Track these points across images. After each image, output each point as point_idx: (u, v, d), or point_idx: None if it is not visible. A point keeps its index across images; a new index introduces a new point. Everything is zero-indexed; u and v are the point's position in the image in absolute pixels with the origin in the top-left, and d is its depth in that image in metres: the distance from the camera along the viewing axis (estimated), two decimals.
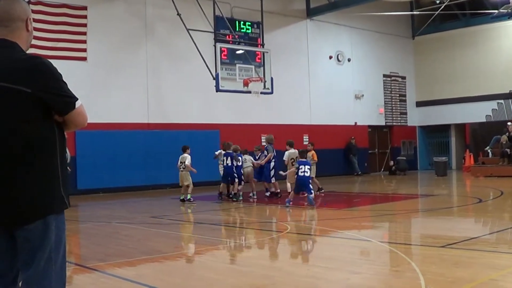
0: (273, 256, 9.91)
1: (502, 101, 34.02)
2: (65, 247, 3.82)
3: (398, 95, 38.04)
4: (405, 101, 38.52)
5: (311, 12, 32.45)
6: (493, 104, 34.31)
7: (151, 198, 21.83)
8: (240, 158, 19.84)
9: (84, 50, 23.98)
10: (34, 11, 21.53)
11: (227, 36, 26.85)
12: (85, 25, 23.97)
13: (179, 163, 19.61)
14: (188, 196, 19.24)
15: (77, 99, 3.85)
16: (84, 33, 23.99)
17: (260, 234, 12.61)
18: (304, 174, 16.57)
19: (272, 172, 20.23)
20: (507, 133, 29.47)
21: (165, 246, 10.61)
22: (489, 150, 30.66)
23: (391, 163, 35.42)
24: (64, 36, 23.37)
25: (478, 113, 34.73)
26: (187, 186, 19.36)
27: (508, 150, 28.86)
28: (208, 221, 14.82)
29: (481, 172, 28.96)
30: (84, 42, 24.00)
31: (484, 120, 34.50)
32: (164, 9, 25.39)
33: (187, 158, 19.15)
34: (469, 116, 35.49)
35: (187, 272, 8.50)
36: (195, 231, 13.24)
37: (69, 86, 3.84)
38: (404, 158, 35.49)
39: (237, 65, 24.13)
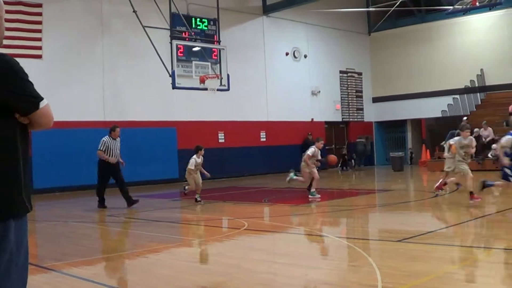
0: (231, 253, 9.91)
1: (457, 96, 34.42)
2: (27, 250, 3.77)
3: (354, 91, 38.32)
4: (361, 97, 38.82)
5: (267, 9, 32.50)
6: (449, 100, 34.69)
7: (108, 196, 21.64)
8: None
9: (40, 47, 23.72)
10: None
11: (183, 33, 26.79)
12: (40, 23, 23.71)
13: None
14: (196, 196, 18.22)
15: (42, 99, 3.78)
16: (39, 31, 23.73)
17: (218, 231, 12.63)
18: None
19: None
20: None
21: (122, 245, 10.57)
22: (445, 145, 30.96)
23: (344, 151, 35.88)
24: (19, 33, 23.05)
25: (434, 108, 35.12)
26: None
27: None
28: (166, 219, 14.77)
29: (437, 167, 29.25)
30: (40, 39, 23.74)
31: (440, 115, 34.86)
32: (120, 6, 25.22)
33: (189, 162, 18.07)
34: (425, 111, 35.90)
35: (145, 270, 8.46)
36: (153, 229, 13.18)
37: None
38: (363, 139, 35.86)
39: (194, 62, 24.06)
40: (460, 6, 29.26)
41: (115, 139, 17.79)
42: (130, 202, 17.63)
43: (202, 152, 18.05)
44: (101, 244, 10.80)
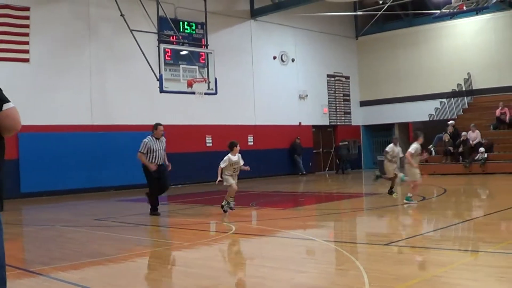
0: (218, 257, 9.92)
1: (444, 100, 34.54)
2: (3, 248, 3.76)
3: (342, 95, 38.39)
4: (349, 100, 38.91)
5: (255, 13, 32.53)
6: (436, 103, 34.83)
7: (96, 200, 21.63)
8: None
9: (27, 51, 23.66)
10: None
11: (171, 37, 26.78)
12: (27, 26, 23.64)
13: None
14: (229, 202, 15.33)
15: (7, 102, 3.78)
16: (27, 34, 23.66)
17: (205, 235, 12.61)
18: None
19: None
20: (449, 132, 30.01)
21: (109, 249, 10.54)
22: (432, 149, 31.11)
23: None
24: (6, 37, 23.02)
25: (421, 112, 35.26)
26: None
27: (451, 148, 29.36)
28: (153, 223, 14.77)
29: (424, 170, 29.34)
30: (27, 43, 23.67)
31: (427, 119, 34.97)
32: (108, 10, 25.18)
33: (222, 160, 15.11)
34: (412, 115, 36.02)
35: (132, 274, 8.45)
36: (140, 233, 13.17)
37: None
38: (346, 142, 35.97)
39: (181, 66, 24.10)
40: (447, 10, 29.39)
41: (158, 139, 15.74)
42: (154, 210, 15.83)
43: (238, 148, 15.07)
44: (89, 248, 10.76)
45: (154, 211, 15.76)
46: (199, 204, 19.24)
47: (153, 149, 15.49)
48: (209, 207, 18.41)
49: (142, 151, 15.53)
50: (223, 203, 15.23)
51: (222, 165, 14.83)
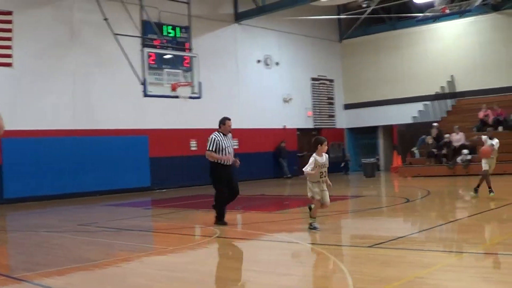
0: (203, 261, 9.91)
1: (428, 102, 34.71)
2: None
3: (326, 98, 38.43)
4: (333, 104, 38.94)
5: (239, 16, 32.55)
6: (420, 106, 34.98)
7: (81, 205, 21.56)
8: None
9: (10, 56, 23.52)
10: None
11: (155, 41, 26.71)
12: (10, 30, 23.51)
13: None
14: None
15: None
16: (10, 39, 23.53)
17: (190, 240, 12.60)
18: None
19: None
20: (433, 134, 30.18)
21: (94, 254, 10.51)
22: (415, 151, 31.27)
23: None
24: None
25: (405, 114, 35.38)
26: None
27: (434, 150, 29.51)
28: (138, 228, 14.73)
29: (408, 172, 29.49)
30: (10, 47, 23.53)
31: (411, 121, 35.10)
32: (91, 14, 25.02)
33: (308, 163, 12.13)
34: (396, 117, 36.13)
35: (117, 279, 8.44)
36: (125, 238, 13.13)
37: None
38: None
39: (165, 70, 24.01)
40: (430, 14, 29.54)
41: (226, 135, 13.93)
42: (221, 219, 13.86)
43: (325, 147, 12.03)
44: (73, 253, 10.73)
45: (221, 219, 13.84)
46: (183, 208, 19.21)
47: (222, 146, 13.66)
48: (194, 211, 18.40)
49: (211, 149, 13.66)
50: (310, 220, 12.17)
51: (308, 168, 11.88)
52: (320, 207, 12.03)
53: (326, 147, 12.01)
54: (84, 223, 15.82)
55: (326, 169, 11.94)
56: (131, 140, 26.62)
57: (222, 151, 13.56)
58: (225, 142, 13.67)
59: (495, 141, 17.20)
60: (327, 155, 12.06)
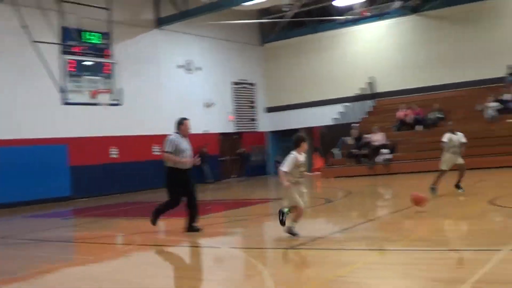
0: (124, 269, 9.84)
1: (349, 104, 35.17)
2: None
3: (247, 101, 38.51)
4: (254, 107, 39.05)
5: (160, 22, 32.34)
6: (340, 107, 35.43)
7: (0, 217, 21.10)
8: None
9: None
10: None
11: (75, 48, 26.32)
12: None
13: None
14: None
15: None
16: None
17: (111, 248, 12.49)
18: None
19: None
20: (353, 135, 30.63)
21: (15, 267, 10.32)
22: (336, 152, 31.65)
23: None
24: None
25: (326, 116, 35.67)
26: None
27: (354, 151, 29.93)
28: (57, 239, 14.48)
29: (330, 173, 29.79)
30: None
31: (332, 122, 35.47)
32: (9, 21, 24.32)
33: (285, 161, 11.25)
34: (318, 119, 36.37)
35: None
36: (46, 249, 12.90)
37: None
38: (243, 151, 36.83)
39: (85, 77, 23.73)
40: (351, 16, 30.02)
41: (185, 136, 13.06)
42: (192, 227, 12.84)
43: (305, 146, 11.50)
44: None
45: (155, 221, 13.27)
46: (104, 217, 19.01)
47: (182, 148, 12.69)
48: (115, 219, 18.25)
49: (168, 150, 12.66)
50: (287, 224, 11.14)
51: (285, 168, 10.96)
52: (297, 211, 11.03)
53: (307, 146, 11.52)
54: (4, 236, 15.49)
55: (305, 169, 11.22)
56: (49, 149, 26.11)
57: (181, 153, 12.61)
58: (184, 144, 12.75)
59: (460, 135, 16.62)
60: (305, 155, 11.43)
